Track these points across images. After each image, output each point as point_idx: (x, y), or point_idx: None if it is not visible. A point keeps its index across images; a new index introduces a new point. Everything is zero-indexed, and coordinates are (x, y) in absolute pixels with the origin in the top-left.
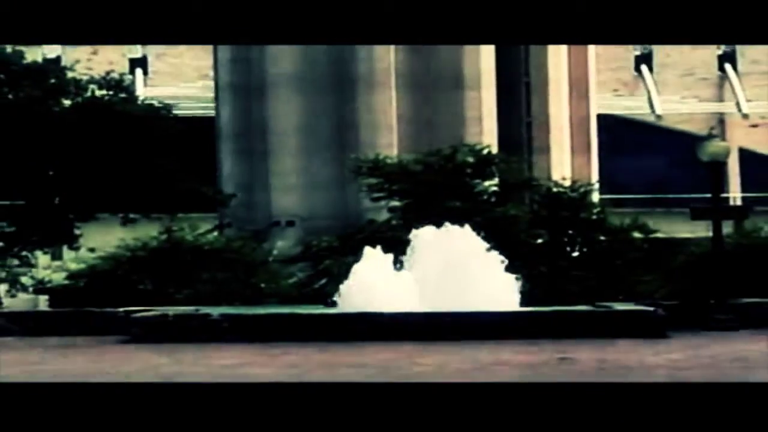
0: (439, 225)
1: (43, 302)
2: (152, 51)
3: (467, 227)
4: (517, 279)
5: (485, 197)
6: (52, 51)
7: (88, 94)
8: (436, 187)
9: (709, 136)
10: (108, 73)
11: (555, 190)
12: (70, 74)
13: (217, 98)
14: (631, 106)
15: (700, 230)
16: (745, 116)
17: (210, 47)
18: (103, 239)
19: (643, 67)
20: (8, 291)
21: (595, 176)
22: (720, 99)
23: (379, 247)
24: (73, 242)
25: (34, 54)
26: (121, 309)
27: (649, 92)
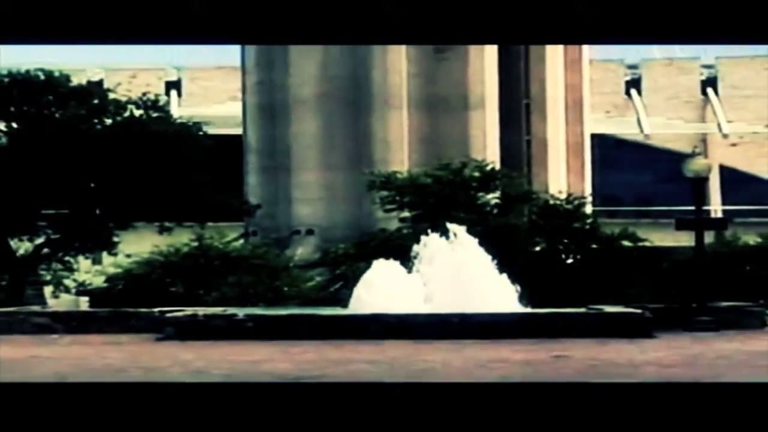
0: (447, 234)
1: (84, 303)
2: (186, 75)
3: (460, 229)
4: (514, 283)
5: (488, 209)
6: (95, 74)
7: (127, 113)
8: (443, 199)
9: (693, 154)
10: (145, 94)
11: (552, 202)
12: (111, 95)
13: (244, 118)
14: (621, 126)
15: (684, 240)
16: (725, 136)
17: (239, 71)
18: (139, 246)
19: (633, 91)
20: (52, 292)
21: (588, 190)
22: (702, 120)
23: (391, 260)
24: (111, 248)
25: (80, 77)
26: (156, 309)
27: (638, 114)
